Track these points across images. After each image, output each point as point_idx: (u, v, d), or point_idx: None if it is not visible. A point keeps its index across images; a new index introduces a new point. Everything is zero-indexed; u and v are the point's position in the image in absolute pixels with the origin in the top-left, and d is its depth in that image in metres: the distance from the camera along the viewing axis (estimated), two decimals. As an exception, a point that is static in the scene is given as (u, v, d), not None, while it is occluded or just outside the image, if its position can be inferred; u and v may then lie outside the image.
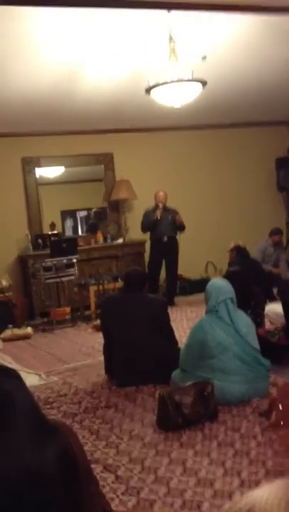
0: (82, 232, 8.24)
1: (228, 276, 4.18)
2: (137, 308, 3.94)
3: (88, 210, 8.40)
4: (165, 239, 7.10)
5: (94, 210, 8.32)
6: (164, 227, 7.07)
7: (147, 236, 7.35)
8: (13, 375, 1.33)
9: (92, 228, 8.11)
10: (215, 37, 5.60)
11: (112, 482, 2.46)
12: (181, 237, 7.40)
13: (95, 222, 8.23)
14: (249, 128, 8.48)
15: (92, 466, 2.44)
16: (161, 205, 7.11)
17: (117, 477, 2.50)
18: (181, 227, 7.14)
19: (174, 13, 4.71)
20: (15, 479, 1.19)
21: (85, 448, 2.73)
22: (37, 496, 1.21)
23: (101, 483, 2.26)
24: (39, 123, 7.00)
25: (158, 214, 7.03)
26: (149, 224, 7.12)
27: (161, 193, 7.20)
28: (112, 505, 1.95)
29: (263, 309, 4.61)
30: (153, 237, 7.22)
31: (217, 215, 8.40)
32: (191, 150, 8.27)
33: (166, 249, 7.11)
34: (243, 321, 3.48)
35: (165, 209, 7.12)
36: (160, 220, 7.02)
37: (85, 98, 6.48)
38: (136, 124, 7.64)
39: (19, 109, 6.44)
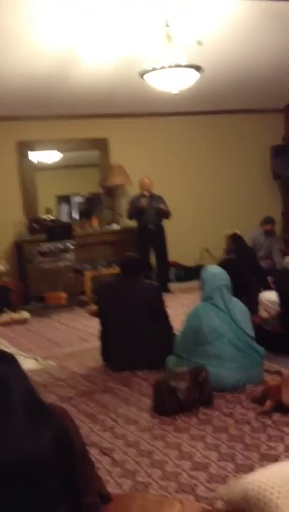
0: (77, 217, 8.24)
1: (224, 264, 4.20)
2: (133, 294, 3.97)
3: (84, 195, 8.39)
4: (151, 226, 7.09)
5: (86, 195, 8.28)
6: (149, 215, 7.06)
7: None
8: (10, 360, 1.35)
9: (83, 214, 8.09)
10: (211, 22, 5.57)
11: (108, 465, 2.50)
12: (176, 224, 7.40)
13: (87, 208, 8.21)
14: (245, 115, 8.45)
15: (88, 449, 2.48)
16: (147, 193, 7.11)
17: (112, 460, 2.54)
18: (166, 215, 7.13)
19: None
20: (12, 462, 1.22)
21: (81, 431, 2.76)
22: (34, 478, 1.23)
23: (97, 465, 2.29)
24: (34, 107, 6.96)
25: (143, 202, 7.03)
26: (134, 211, 7.12)
27: (145, 180, 7.20)
28: (108, 488, 1.99)
29: (257, 297, 4.64)
30: (139, 224, 7.22)
31: (212, 202, 8.39)
32: (187, 136, 8.24)
33: (152, 236, 7.11)
34: (238, 308, 3.51)
35: (150, 196, 7.12)
36: (146, 207, 7.02)
37: (80, 82, 6.44)
38: (131, 110, 7.61)
39: (14, 92, 6.39)
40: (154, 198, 7.13)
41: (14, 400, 1.28)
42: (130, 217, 7.29)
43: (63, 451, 1.32)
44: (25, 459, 1.24)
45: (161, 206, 7.03)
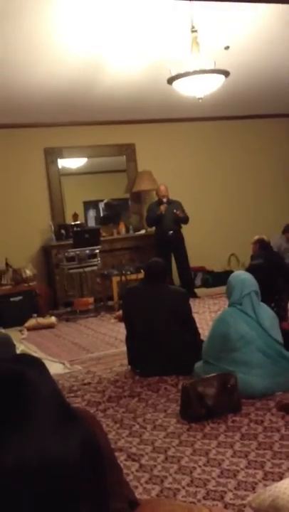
0: (102, 222, 8.26)
1: (251, 269, 4.16)
2: (159, 299, 3.96)
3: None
4: (170, 233, 7.08)
5: (104, 201, 8.28)
6: (168, 221, 7.05)
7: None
8: (37, 364, 1.35)
9: (104, 221, 8.09)
10: (238, 26, 5.55)
11: (136, 470, 2.49)
12: (204, 229, 7.36)
13: (108, 214, 8.23)
14: (272, 119, 8.40)
15: (116, 454, 2.48)
16: (164, 200, 7.10)
17: (140, 466, 2.53)
18: (184, 220, 7.10)
19: (196, 2, 4.69)
20: (39, 467, 1.21)
21: (109, 436, 2.77)
22: (61, 484, 1.23)
23: (125, 471, 2.29)
24: (61, 113, 7.04)
25: (162, 209, 7.02)
26: (154, 219, 7.11)
27: (162, 187, 7.21)
28: (136, 494, 1.98)
29: (286, 303, 4.58)
30: (158, 231, 7.21)
31: (241, 207, 8.34)
32: (213, 141, 8.22)
33: (172, 242, 7.09)
34: (267, 314, 3.47)
35: (168, 202, 7.10)
36: (164, 214, 7.01)
37: (107, 88, 6.49)
38: (158, 115, 7.63)
39: (42, 99, 6.48)
40: (172, 204, 7.12)
41: (42, 404, 1.28)
42: (149, 224, 7.29)
43: (91, 456, 1.31)
44: (52, 464, 1.23)
45: (178, 213, 7.02)
